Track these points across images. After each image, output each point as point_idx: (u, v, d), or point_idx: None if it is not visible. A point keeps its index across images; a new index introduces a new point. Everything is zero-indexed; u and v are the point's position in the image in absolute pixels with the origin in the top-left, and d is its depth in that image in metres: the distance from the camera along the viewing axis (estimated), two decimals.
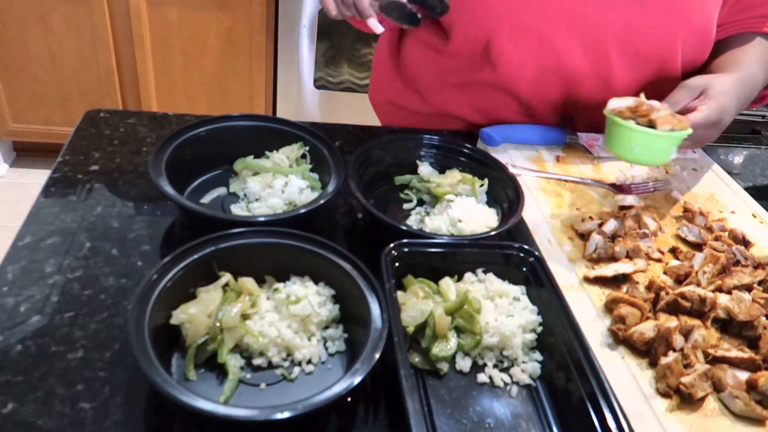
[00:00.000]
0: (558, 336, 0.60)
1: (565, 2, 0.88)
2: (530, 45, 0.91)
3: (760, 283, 0.72)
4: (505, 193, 0.80)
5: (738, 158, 1.10)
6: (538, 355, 0.62)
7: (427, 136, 0.85)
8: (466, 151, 0.84)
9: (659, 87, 0.90)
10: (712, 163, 1.01)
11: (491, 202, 0.81)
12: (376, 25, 0.83)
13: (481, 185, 0.81)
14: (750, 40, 0.96)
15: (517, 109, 1.00)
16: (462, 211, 0.75)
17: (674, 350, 0.62)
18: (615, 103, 0.76)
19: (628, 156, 0.76)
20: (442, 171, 0.84)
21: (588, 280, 0.71)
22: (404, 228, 0.69)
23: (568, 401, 0.56)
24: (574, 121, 1.02)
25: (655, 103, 0.76)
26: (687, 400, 0.58)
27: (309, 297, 0.59)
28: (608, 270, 0.72)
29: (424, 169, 0.83)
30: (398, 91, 1.09)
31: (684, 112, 0.80)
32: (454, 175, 0.81)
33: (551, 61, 0.93)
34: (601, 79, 0.95)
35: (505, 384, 0.60)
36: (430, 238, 0.67)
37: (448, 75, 1.01)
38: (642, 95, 0.77)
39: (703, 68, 0.98)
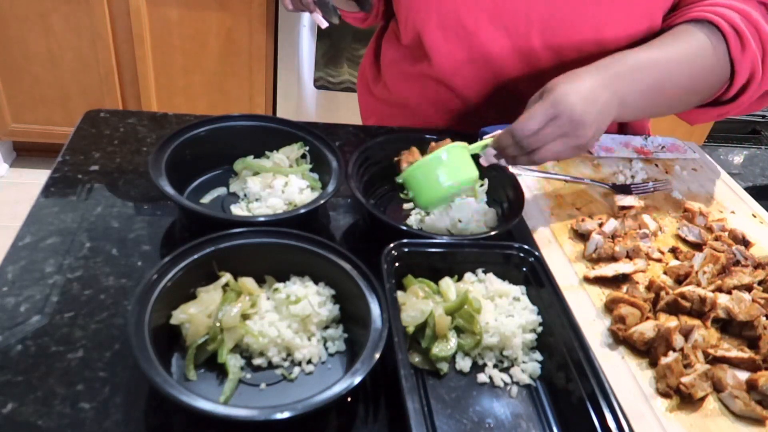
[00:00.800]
0: (558, 336, 0.60)
1: None
2: (457, 36, 0.90)
3: (760, 283, 0.72)
4: (504, 193, 0.80)
5: (738, 158, 1.10)
6: (538, 355, 0.62)
7: (427, 135, 0.85)
8: None
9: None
10: (712, 163, 1.01)
11: (491, 202, 0.81)
12: (320, 20, 0.84)
13: (481, 185, 0.81)
14: (680, 29, 0.81)
15: (459, 103, 0.99)
16: (462, 211, 0.75)
17: (674, 350, 0.62)
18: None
19: (438, 190, 0.70)
20: None
21: (588, 280, 0.71)
22: (404, 228, 0.69)
23: (568, 401, 0.56)
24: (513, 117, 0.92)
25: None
26: (687, 400, 0.58)
27: (309, 297, 0.59)
28: (608, 270, 0.72)
29: None
30: (374, 84, 1.10)
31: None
32: None
33: (477, 54, 0.90)
34: (531, 70, 0.91)
35: (505, 384, 0.60)
36: (430, 238, 0.67)
37: (403, 66, 1.02)
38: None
39: None
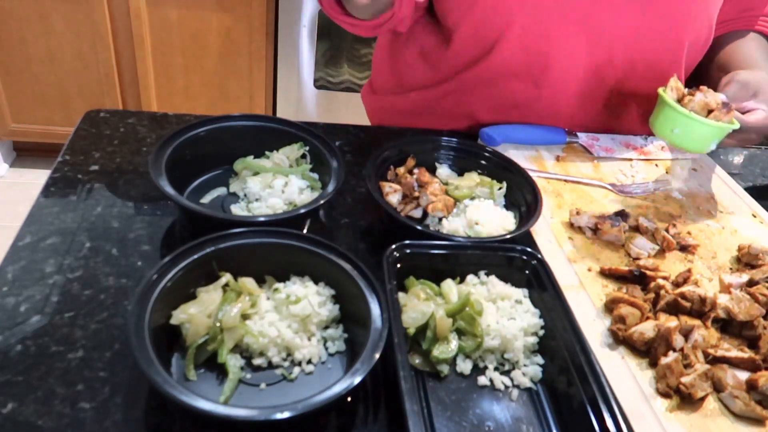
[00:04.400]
0: (560, 339, 0.60)
1: (574, 1, 0.88)
2: (539, 46, 0.91)
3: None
4: (523, 197, 0.80)
5: (738, 158, 1.10)
6: (539, 359, 0.62)
7: (445, 138, 0.86)
8: (485, 153, 0.85)
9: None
10: (712, 163, 1.01)
11: (509, 205, 0.81)
12: None
13: (500, 188, 0.81)
14: (745, 36, 0.97)
15: (510, 107, 1.00)
16: (479, 213, 0.75)
17: (674, 350, 0.62)
18: (673, 83, 0.79)
19: (668, 136, 0.79)
20: (460, 173, 0.84)
21: (602, 272, 0.73)
22: (420, 229, 0.69)
23: (568, 405, 0.56)
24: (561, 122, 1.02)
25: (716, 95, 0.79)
26: (687, 400, 0.58)
27: (309, 297, 0.59)
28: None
29: (443, 171, 0.84)
30: (391, 87, 1.10)
31: (737, 109, 0.81)
32: (472, 178, 0.82)
33: (552, 72, 0.93)
34: (601, 82, 0.95)
35: (506, 387, 0.59)
36: (435, 239, 0.67)
37: (440, 73, 1.01)
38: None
39: (702, 65, 0.99)
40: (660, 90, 0.80)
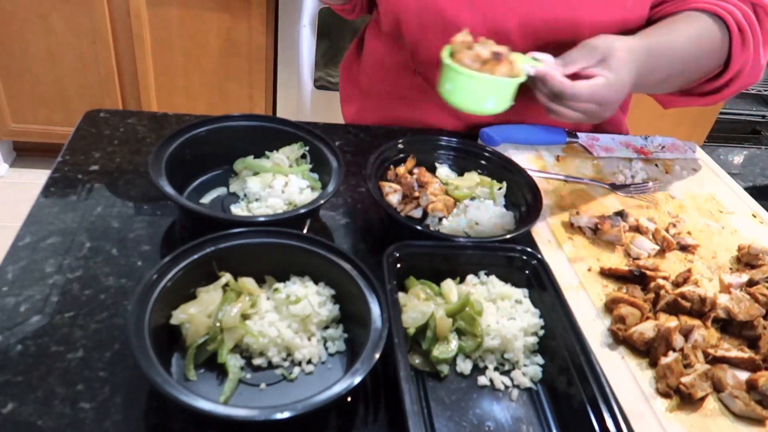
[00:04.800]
0: (560, 339, 0.60)
1: None
2: (435, 25, 0.88)
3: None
4: (523, 197, 0.80)
5: (738, 158, 1.10)
6: (539, 359, 0.62)
7: (445, 138, 0.86)
8: (485, 153, 0.85)
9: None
10: (712, 163, 1.01)
11: (509, 205, 0.81)
12: None
13: (500, 188, 0.81)
14: (689, 15, 0.84)
15: (433, 95, 0.97)
16: (479, 213, 0.75)
17: (674, 350, 0.62)
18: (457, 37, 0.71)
19: (443, 95, 0.71)
20: (460, 173, 0.84)
21: (602, 272, 0.73)
22: (420, 229, 0.69)
23: (568, 405, 0.56)
24: None
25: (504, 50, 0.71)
26: (687, 400, 0.58)
27: (309, 297, 0.59)
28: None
29: (443, 171, 0.84)
30: (356, 73, 1.11)
31: (578, 76, 0.74)
32: (472, 178, 0.82)
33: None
34: None
35: (506, 387, 0.59)
36: (435, 239, 0.67)
37: (383, 56, 1.02)
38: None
39: None
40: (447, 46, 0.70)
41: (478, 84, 0.68)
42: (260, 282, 0.62)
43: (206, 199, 0.77)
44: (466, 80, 0.69)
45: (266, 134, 0.81)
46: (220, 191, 0.78)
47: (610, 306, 0.68)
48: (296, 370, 0.57)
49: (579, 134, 0.99)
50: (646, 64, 0.76)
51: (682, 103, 0.94)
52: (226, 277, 0.60)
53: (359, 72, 1.10)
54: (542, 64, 0.74)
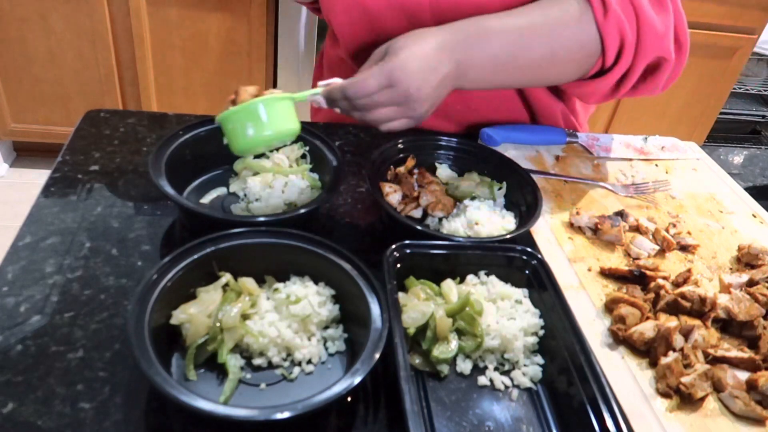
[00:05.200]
0: (560, 339, 0.60)
1: None
2: (361, 19, 0.86)
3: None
4: (523, 197, 0.80)
5: (738, 158, 1.10)
6: (539, 359, 0.62)
7: (445, 138, 0.86)
8: (485, 153, 0.85)
9: None
10: (712, 163, 1.01)
11: (509, 205, 0.81)
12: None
13: (500, 188, 0.81)
14: None
15: None
16: (479, 213, 0.75)
17: (674, 350, 0.62)
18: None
19: (231, 148, 0.69)
20: (460, 173, 0.84)
21: (602, 272, 0.73)
22: (420, 229, 0.69)
23: (568, 405, 0.56)
24: None
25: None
26: (687, 400, 0.58)
27: (309, 297, 0.59)
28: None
29: (443, 171, 0.84)
30: (317, 69, 1.11)
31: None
32: (472, 178, 0.82)
33: (382, 36, 0.84)
34: None
35: (506, 387, 0.59)
36: (435, 239, 0.67)
37: (330, 52, 1.02)
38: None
39: None
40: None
41: (234, 118, 0.67)
42: (260, 282, 0.62)
43: (206, 199, 0.77)
44: (225, 122, 0.68)
45: None
46: (220, 191, 0.78)
47: (610, 306, 0.68)
48: (296, 370, 0.57)
49: (579, 134, 0.99)
50: (463, 42, 0.71)
51: (596, 93, 0.83)
52: (226, 277, 0.60)
53: (320, 76, 1.10)
54: (321, 89, 0.72)
